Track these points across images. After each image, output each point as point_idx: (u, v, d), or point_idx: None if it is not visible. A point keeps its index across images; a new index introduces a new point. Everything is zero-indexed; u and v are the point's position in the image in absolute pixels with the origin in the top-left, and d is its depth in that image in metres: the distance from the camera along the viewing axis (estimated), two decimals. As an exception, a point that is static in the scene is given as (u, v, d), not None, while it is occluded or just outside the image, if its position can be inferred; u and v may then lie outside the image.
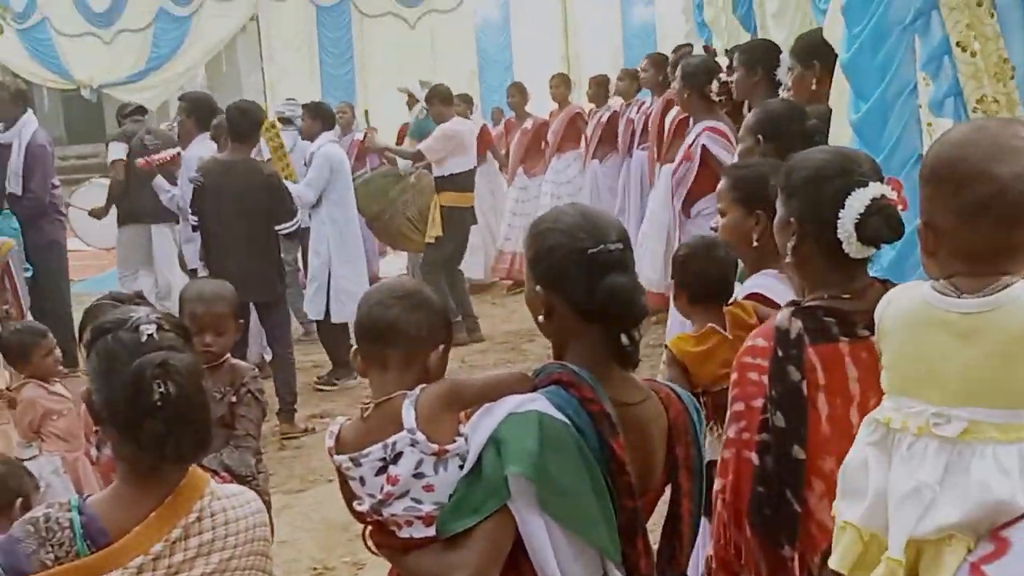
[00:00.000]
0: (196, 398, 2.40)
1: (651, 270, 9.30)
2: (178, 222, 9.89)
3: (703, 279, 3.90)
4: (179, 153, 9.50)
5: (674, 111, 9.29)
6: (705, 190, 6.73)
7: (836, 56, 5.20)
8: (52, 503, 2.39)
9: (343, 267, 9.87)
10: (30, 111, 10.16)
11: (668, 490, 2.72)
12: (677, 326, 4.50)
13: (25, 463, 5.36)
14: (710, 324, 3.77)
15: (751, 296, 3.77)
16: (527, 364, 9.68)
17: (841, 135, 4.83)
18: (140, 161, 9.57)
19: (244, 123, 8.62)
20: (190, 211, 8.62)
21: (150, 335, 2.39)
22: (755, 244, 3.79)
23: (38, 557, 2.28)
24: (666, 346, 3.81)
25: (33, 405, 5.58)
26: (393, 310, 2.66)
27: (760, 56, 6.28)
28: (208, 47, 19.97)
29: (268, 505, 4.54)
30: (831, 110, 5.06)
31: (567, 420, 2.46)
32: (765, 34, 8.21)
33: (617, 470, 2.49)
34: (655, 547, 2.68)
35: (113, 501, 2.41)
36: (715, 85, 6.90)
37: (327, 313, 9.81)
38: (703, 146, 6.82)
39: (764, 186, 3.63)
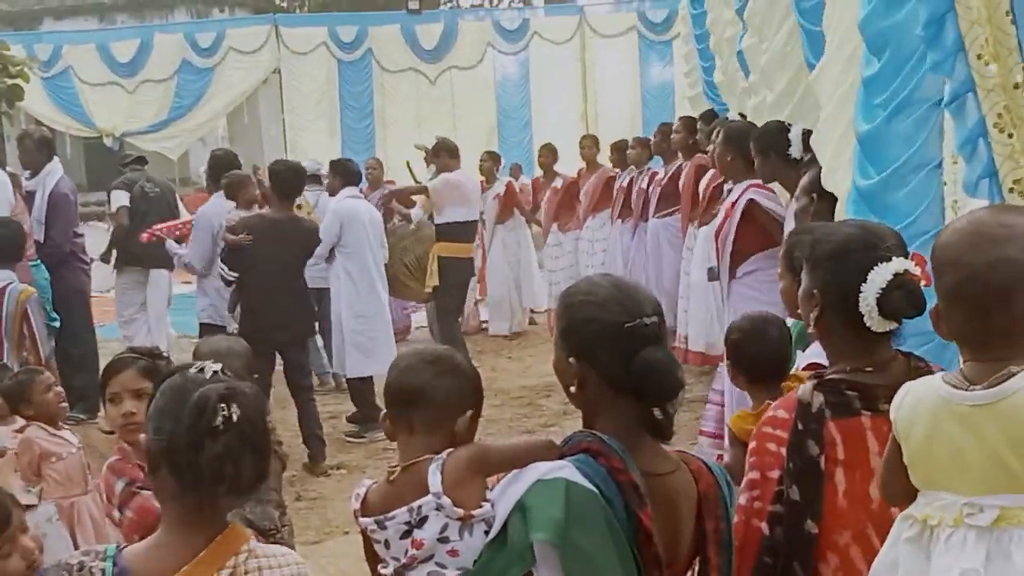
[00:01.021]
0: (259, 423, 2.42)
1: (693, 329, 9.60)
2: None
3: (758, 361, 3.97)
4: (189, 222, 9.66)
5: (708, 176, 9.44)
6: (751, 248, 6.81)
7: None
8: (88, 550, 2.40)
9: (355, 321, 9.95)
10: (56, 159, 10.24)
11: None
12: (738, 395, 4.53)
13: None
14: (768, 400, 3.78)
15: (810, 367, 3.73)
16: (543, 420, 9.71)
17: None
18: (143, 236, 9.74)
19: (295, 180, 9.01)
20: (226, 266, 8.70)
21: (215, 372, 2.45)
22: (799, 311, 3.82)
23: None
24: (728, 427, 3.83)
25: (30, 446, 5.56)
26: (422, 375, 2.68)
27: (769, 141, 6.53)
28: (230, 98, 20.13)
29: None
30: None
31: (595, 489, 2.45)
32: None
33: (644, 541, 2.47)
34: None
35: (149, 552, 2.41)
36: None
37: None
38: (751, 200, 6.86)
39: None
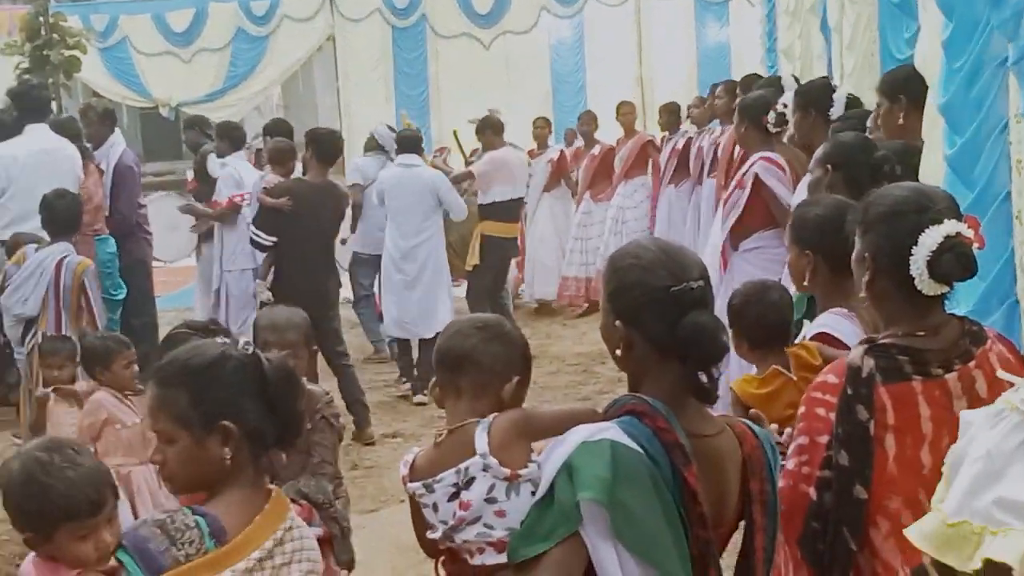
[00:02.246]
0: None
1: None
2: None
3: (760, 325, 3.91)
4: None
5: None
6: (756, 224, 6.77)
7: (923, 90, 5.21)
8: (167, 510, 2.52)
9: (386, 283, 10.25)
10: (118, 131, 10.34)
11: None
12: (736, 366, 4.52)
13: None
14: (775, 366, 3.76)
15: (818, 336, 3.74)
16: (598, 386, 9.71)
17: (933, 169, 4.82)
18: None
19: (334, 146, 9.17)
20: (262, 232, 8.74)
21: (255, 348, 2.64)
22: (804, 284, 3.80)
23: (171, 554, 2.41)
24: (731, 389, 3.82)
25: (99, 408, 5.63)
26: (470, 340, 2.73)
27: (812, 98, 6.46)
28: (285, 67, 20.16)
29: (347, 531, 4.59)
30: (921, 143, 5.06)
31: (640, 449, 2.46)
32: (838, 63, 8.22)
33: (690, 500, 2.48)
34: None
35: (225, 506, 2.54)
36: (772, 116, 6.88)
37: None
38: (756, 175, 6.80)
39: (819, 229, 3.65)
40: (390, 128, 12.03)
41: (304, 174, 9.32)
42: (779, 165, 6.77)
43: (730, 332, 4.06)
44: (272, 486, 2.65)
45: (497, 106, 12.38)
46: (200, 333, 4.27)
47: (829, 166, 4.69)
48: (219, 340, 2.67)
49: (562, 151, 13.86)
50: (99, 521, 2.71)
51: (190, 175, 11.77)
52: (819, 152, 4.91)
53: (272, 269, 8.81)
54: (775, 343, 3.84)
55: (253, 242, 8.88)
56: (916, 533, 2.18)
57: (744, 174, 6.89)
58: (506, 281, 11.69)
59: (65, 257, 7.58)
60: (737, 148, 9.41)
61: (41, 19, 13.52)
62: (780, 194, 6.63)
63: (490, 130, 11.23)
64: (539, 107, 16.84)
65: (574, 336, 12.17)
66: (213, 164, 10.90)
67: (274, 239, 8.67)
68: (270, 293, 8.64)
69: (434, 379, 2.80)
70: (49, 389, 6.34)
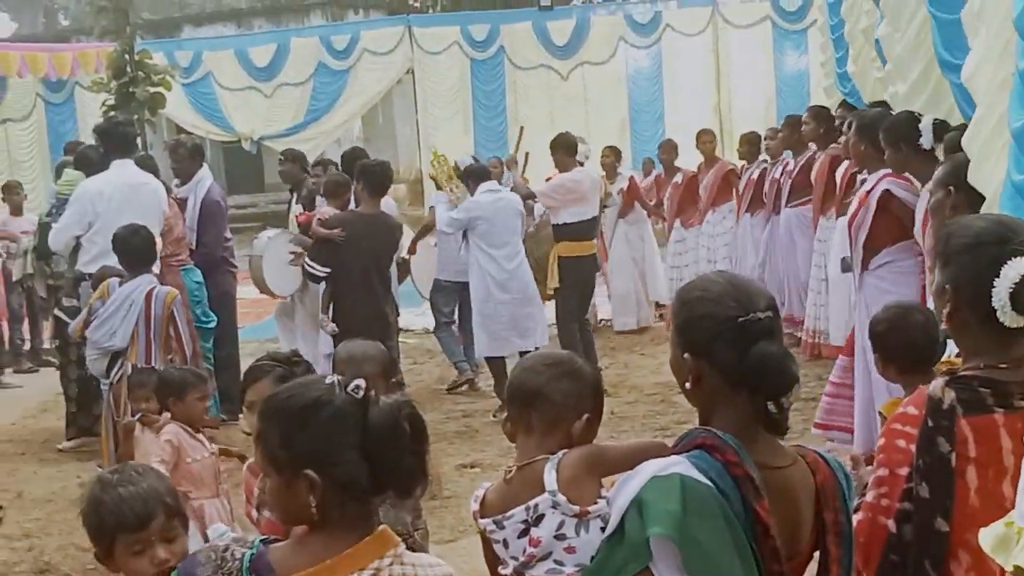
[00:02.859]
0: (422, 424, 2.48)
1: (834, 324, 9.63)
2: None
3: (908, 349, 3.95)
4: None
5: (844, 165, 9.28)
6: (886, 240, 6.67)
7: None
8: (239, 538, 2.53)
9: (483, 305, 10.33)
10: (206, 166, 10.53)
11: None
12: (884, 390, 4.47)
13: None
14: (922, 386, 3.72)
15: None
16: (676, 416, 9.61)
17: (995, 189, 4.75)
18: (301, 218, 10.11)
19: (387, 178, 9.25)
20: (316, 263, 8.90)
21: (365, 391, 2.44)
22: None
23: None
24: (880, 413, 3.79)
25: (170, 441, 5.68)
26: (541, 377, 2.75)
27: (901, 133, 6.41)
28: (365, 100, 20.43)
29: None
30: None
31: (710, 483, 2.44)
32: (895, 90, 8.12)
33: (762, 534, 2.46)
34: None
35: (293, 547, 2.48)
36: None
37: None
38: (886, 190, 6.70)
39: None
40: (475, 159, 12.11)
41: (356, 206, 9.36)
42: (905, 178, 6.70)
43: (875, 357, 4.05)
44: (384, 527, 2.51)
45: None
46: (283, 365, 4.32)
47: (951, 187, 4.66)
48: (328, 380, 2.49)
49: (631, 178, 13.91)
50: (150, 535, 2.83)
51: (298, 209, 11.88)
52: (938, 173, 4.87)
53: (331, 301, 8.96)
54: (924, 365, 3.82)
55: (308, 274, 9.05)
56: (982, 535, 2.16)
57: (868, 192, 6.81)
58: (591, 301, 11.68)
59: (154, 288, 7.67)
60: (838, 174, 9.39)
61: (127, 56, 13.82)
62: (913, 204, 6.55)
63: (562, 150, 11.04)
64: (617, 137, 16.92)
65: (652, 366, 12.09)
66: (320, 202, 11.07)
67: (328, 270, 8.83)
68: (334, 325, 8.77)
69: (506, 414, 2.81)
70: (136, 417, 6.39)
